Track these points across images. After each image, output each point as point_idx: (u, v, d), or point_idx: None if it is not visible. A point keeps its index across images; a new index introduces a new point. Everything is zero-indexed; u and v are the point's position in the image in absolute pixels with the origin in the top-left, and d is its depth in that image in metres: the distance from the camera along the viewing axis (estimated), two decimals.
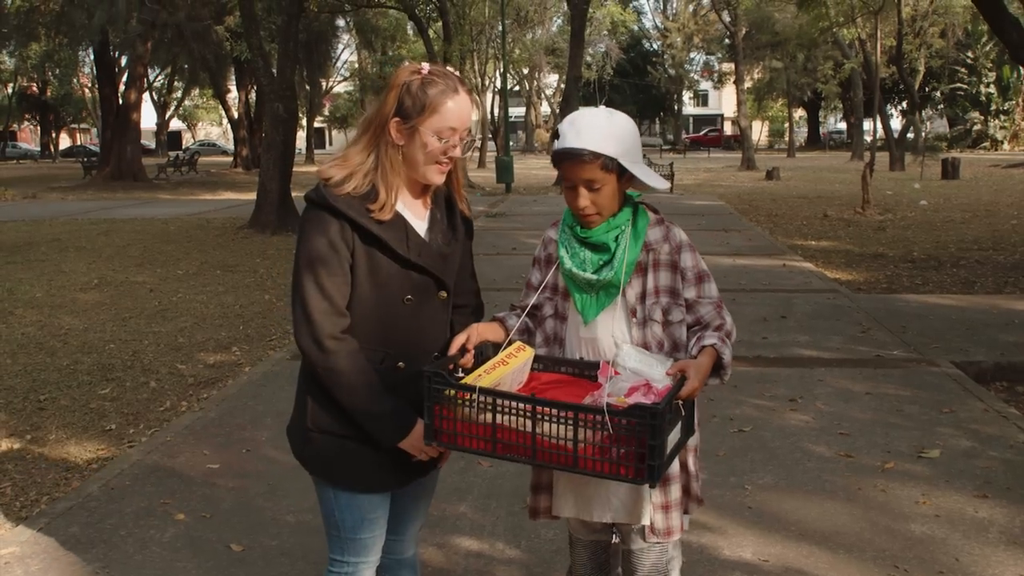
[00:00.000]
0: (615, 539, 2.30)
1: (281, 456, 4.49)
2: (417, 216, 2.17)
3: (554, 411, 1.89)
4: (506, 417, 1.94)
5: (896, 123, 46.50)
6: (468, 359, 2.16)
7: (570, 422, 1.87)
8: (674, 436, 1.96)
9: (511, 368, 2.09)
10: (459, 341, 2.15)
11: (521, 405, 1.92)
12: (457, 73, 2.12)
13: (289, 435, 2.28)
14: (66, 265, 11.33)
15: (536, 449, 1.93)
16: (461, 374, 2.10)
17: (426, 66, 2.08)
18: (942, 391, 5.46)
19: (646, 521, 2.18)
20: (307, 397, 2.18)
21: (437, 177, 2.13)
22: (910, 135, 36.44)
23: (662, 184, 2.21)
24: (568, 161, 2.10)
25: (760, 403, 5.25)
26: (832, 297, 8.50)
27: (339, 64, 51.74)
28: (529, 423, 1.91)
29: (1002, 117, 46.45)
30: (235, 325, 7.74)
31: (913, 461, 4.37)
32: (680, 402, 1.97)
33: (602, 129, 2.09)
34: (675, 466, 2.19)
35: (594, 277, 2.16)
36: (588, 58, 48.92)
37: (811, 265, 10.58)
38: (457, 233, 2.24)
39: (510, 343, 2.21)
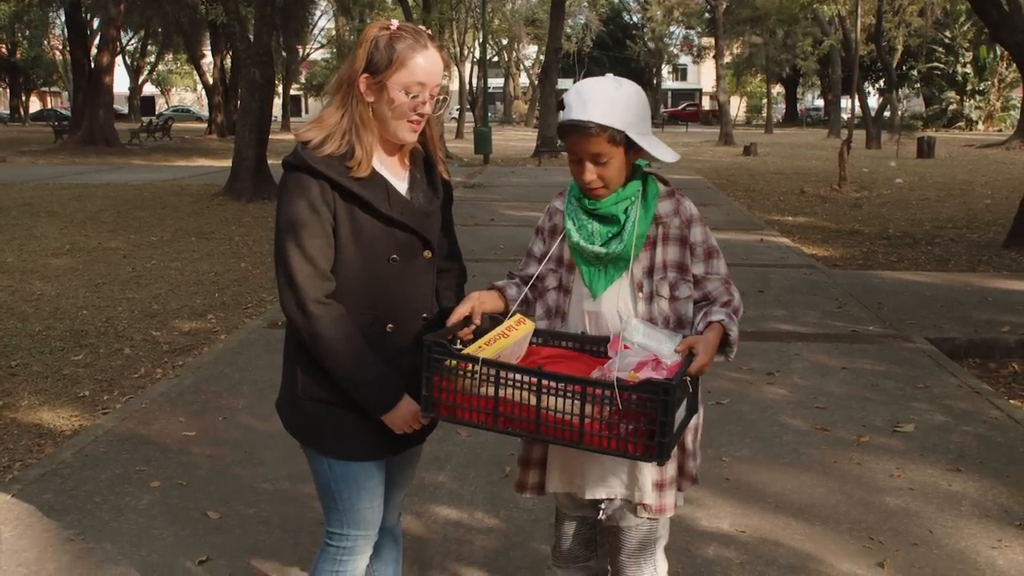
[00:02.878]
0: (601, 515, 2.27)
1: (258, 424, 4.46)
2: (396, 176, 2.14)
3: (560, 385, 1.83)
4: (509, 390, 1.88)
5: (873, 101, 46.62)
6: (468, 332, 2.10)
7: (577, 396, 1.81)
8: (681, 413, 1.93)
9: (512, 341, 2.03)
10: (462, 312, 2.09)
11: (526, 378, 1.86)
12: (428, 31, 2.07)
13: (279, 409, 2.25)
14: (38, 230, 11.15)
15: (540, 424, 1.87)
16: (460, 345, 2.04)
17: (395, 22, 2.04)
18: (917, 367, 5.51)
19: (649, 499, 2.13)
20: (296, 366, 2.14)
21: (408, 135, 2.08)
22: (887, 113, 36.60)
23: (671, 156, 2.09)
24: (574, 134, 2.00)
25: (737, 376, 5.27)
26: (809, 272, 8.55)
27: (316, 31, 51.05)
28: (533, 397, 1.86)
29: (978, 97, 46.78)
30: (210, 292, 7.67)
31: (888, 435, 4.41)
32: (688, 379, 1.93)
33: (609, 99, 1.98)
34: None
35: (602, 250, 2.08)
36: (568, 30, 48.61)
37: (788, 240, 10.63)
38: (438, 192, 2.21)
39: (511, 315, 2.15)
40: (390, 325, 2.12)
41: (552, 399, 1.84)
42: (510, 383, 1.88)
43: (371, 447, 2.17)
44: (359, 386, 2.06)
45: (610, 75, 2.06)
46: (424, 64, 2.01)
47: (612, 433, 1.82)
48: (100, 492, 3.72)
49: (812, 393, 5.02)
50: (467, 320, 2.10)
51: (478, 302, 2.13)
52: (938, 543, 3.33)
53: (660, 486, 2.14)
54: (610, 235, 2.09)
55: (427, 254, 2.18)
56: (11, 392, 5.11)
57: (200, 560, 3.18)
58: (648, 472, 2.11)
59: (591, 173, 2.04)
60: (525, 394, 1.87)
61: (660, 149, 2.07)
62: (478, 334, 2.08)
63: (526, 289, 2.28)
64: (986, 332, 6.30)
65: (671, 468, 2.15)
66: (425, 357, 1.94)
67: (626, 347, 2.01)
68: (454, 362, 1.92)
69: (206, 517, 3.51)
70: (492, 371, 1.89)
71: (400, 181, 2.14)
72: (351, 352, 2.04)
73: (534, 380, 1.86)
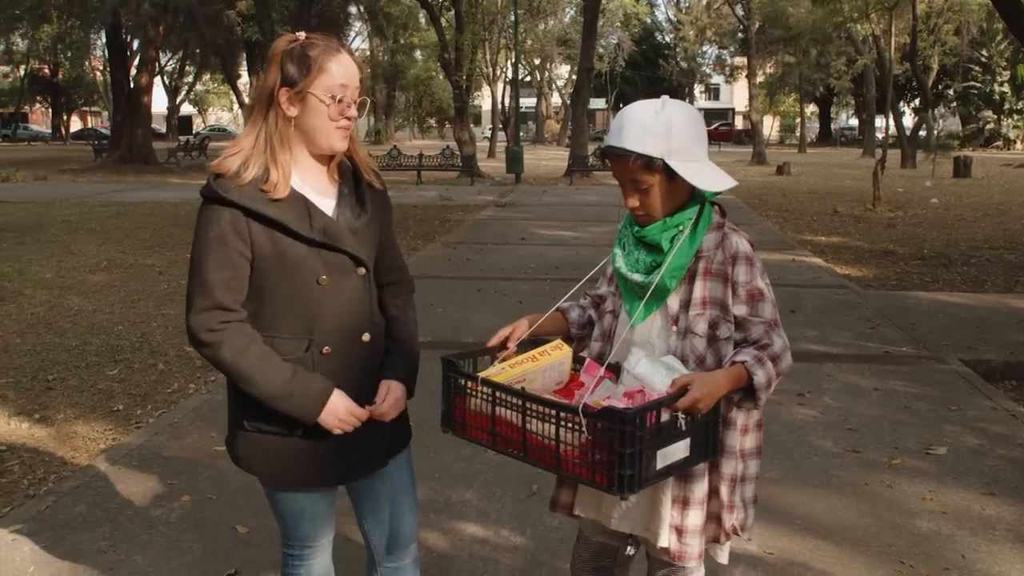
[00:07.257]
0: (630, 551, 2.22)
1: None
2: (322, 193, 2.08)
3: (541, 408, 1.84)
4: (504, 411, 1.90)
5: (908, 120, 46.25)
6: (506, 353, 2.10)
7: (554, 421, 1.82)
8: (672, 452, 1.83)
9: (540, 365, 2.03)
10: (502, 334, 2.13)
11: (514, 400, 1.88)
12: (338, 39, 2.06)
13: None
14: (76, 247, 11.36)
15: (527, 446, 1.88)
16: (497, 365, 2.06)
17: (302, 34, 2.03)
18: (950, 389, 5.44)
19: (663, 543, 2.03)
20: (229, 396, 2.14)
21: (340, 143, 2.03)
22: (922, 133, 36.27)
23: (717, 184, 1.98)
24: (611, 159, 1.99)
25: (767, 397, 5.22)
26: (841, 293, 8.47)
27: None
28: (520, 418, 1.87)
29: (1015, 116, 46.14)
30: None
31: (920, 458, 4.35)
32: (682, 416, 1.82)
33: (646, 126, 1.93)
34: (699, 490, 2.02)
35: (642, 279, 2.03)
36: (600, 50, 48.75)
37: (820, 260, 10.54)
38: (367, 206, 2.13)
39: (546, 341, 2.14)
40: (326, 348, 2.07)
41: (536, 422, 1.85)
42: (504, 404, 1.90)
43: (310, 474, 2.13)
44: (279, 399, 2.00)
45: (663, 98, 2.00)
46: (341, 68, 1.99)
47: (584, 461, 1.79)
48: (132, 505, 3.78)
49: (843, 414, 4.97)
50: (503, 345, 2.14)
51: (522, 326, 2.14)
52: (971, 568, 3.27)
53: (680, 531, 2.04)
54: (654, 264, 2.03)
55: (360, 271, 2.11)
56: (48, 405, 5.20)
57: (228, 573, 3.21)
58: (665, 515, 2.03)
59: (633, 199, 2.01)
60: (515, 415, 1.88)
61: (706, 177, 1.97)
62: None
63: (589, 310, 2.27)
64: (1022, 354, 6.20)
65: (694, 515, 2.03)
66: (443, 374, 2.01)
67: (608, 373, 2.00)
68: (463, 380, 1.98)
69: (235, 531, 3.54)
70: (489, 391, 1.92)
71: (326, 198, 2.08)
72: (258, 370, 1.98)
73: (519, 402, 1.87)
